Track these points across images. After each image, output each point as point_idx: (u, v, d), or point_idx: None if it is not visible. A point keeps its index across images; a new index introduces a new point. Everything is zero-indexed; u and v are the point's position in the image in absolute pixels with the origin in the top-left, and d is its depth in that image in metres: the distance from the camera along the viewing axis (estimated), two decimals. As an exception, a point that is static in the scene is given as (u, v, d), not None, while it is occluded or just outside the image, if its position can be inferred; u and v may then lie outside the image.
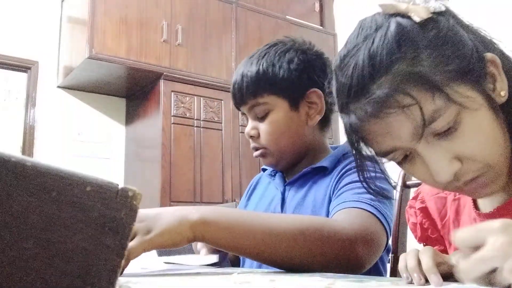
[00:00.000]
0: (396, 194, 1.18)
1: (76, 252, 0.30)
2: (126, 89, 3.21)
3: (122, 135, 3.28)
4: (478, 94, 0.53)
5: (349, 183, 0.85)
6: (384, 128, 0.54)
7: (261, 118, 0.96)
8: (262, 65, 0.95)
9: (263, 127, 0.95)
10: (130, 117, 3.29)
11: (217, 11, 3.27)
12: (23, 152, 2.91)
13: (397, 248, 1.14)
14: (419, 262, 0.49)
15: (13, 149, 2.91)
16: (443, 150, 0.53)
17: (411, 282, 0.49)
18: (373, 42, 0.54)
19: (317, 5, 3.86)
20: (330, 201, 0.89)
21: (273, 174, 1.05)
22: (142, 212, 0.67)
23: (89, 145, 3.14)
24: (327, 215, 0.87)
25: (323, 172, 0.94)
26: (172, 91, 2.96)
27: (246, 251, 0.71)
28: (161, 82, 2.94)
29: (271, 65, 0.94)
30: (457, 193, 0.70)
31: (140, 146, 3.13)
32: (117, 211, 0.32)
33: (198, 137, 3.00)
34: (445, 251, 0.74)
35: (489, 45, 0.58)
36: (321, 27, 3.84)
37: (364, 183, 0.65)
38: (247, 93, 0.95)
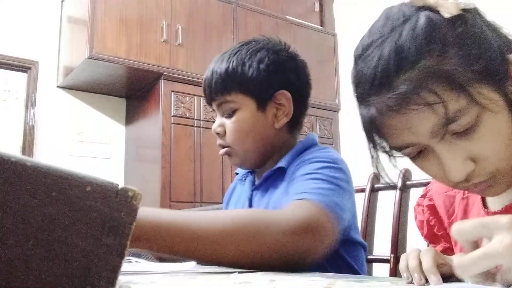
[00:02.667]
0: (396, 194, 1.18)
1: (76, 252, 0.30)
2: (126, 89, 3.20)
3: (122, 135, 3.28)
4: (500, 96, 0.53)
5: (299, 175, 0.84)
6: (404, 123, 0.53)
7: (228, 116, 0.96)
8: (232, 62, 0.94)
9: (229, 125, 0.95)
10: (130, 117, 3.29)
11: (217, 11, 3.27)
12: (23, 152, 2.91)
13: (397, 248, 1.14)
14: (420, 262, 0.49)
15: (13, 149, 2.91)
16: (459, 150, 0.53)
17: (411, 282, 0.49)
18: (400, 35, 0.53)
19: (317, 5, 3.86)
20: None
21: (243, 179, 1.04)
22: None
23: (89, 145, 3.14)
24: None
25: (283, 172, 0.93)
26: (172, 91, 2.96)
27: (179, 254, 0.71)
28: (161, 82, 2.94)
29: (241, 64, 0.94)
30: (466, 192, 0.70)
31: (140, 146, 3.13)
32: (117, 211, 0.32)
33: (198, 137, 3.00)
34: (450, 249, 0.75)
35: (510, 46, 0.56)
36: (321, 27, 3.83)
37: (380, 176, 0.64)
38: (215, 90, 0.95)
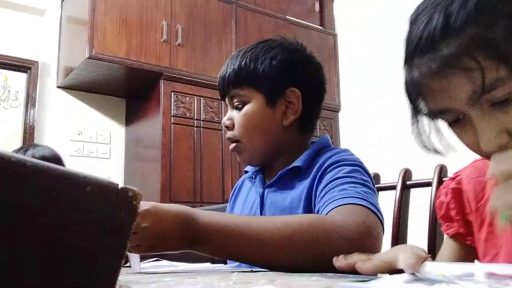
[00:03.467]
0: (396, 194, 1.18)
1: (76, 252, 0.30)
2: (126, 89, 3.21)
3: (122, 135, 3.28)
4: None
5: (333, 179, 0.84)
6: (443, 86, 0.54)
7: (238, 109, 0.97)
8: (246, 58, 0.96)
9: (237, 118, 0.97)
10: (130, 117, 3.29)
11: (217, 11, 3.27)
12: (23, 152, 2.91)
13: (397, 248, 1.13)
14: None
15: (13, 149, 2.91)
16: (495, 120, 0.53)
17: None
18: (452, 2, 0.53)
19: (317, 5, 3.86)
20: (306, 200, 0.88)
21: (253, 177, 1.04)
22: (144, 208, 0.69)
23: (89, 145, 3.14)
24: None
25: (299, 172, 0.93)
26: (172, 91, 2.96)
27: (235, 259, 0.73)
28: (161, 82, 2.94)
29: (255, 59, 0.96)
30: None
31: (140, 146, 3.13)
32: (117, 211, 0.32)
33: (198, 137, 3.00)
34: (461, 235, 0.75)
35: None
36: (321, 27, 3.84)
37: (418, 142, 0.63)
38: (228, 84, 0.98)
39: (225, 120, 0.99)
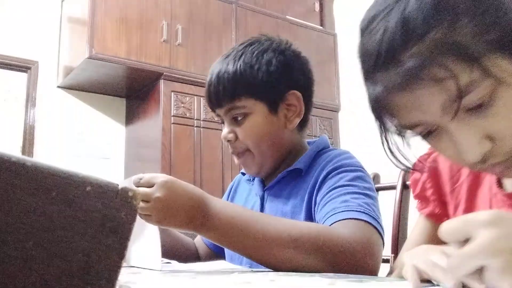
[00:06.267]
0: (396, 194, 1.18)
1: (76, 252, 0.30)
2: (126, 89, 3.20)
3: (122, 135, 3.28)
4: None
5: (334, 188, 0.83)
6: (413, 101, 0.50)
7: (239, 122, 0.92)
8: (240, 66, 0.90)
9: (241, 131, 0.91)
10: (130, 117, 3.29)
11: (217, 11, 3.27)
12: (23, 152, 2.91)
13: (397, 248, 1.14)
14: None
15: (13, 149, 2.91)
16: (473, 128, 0.49)
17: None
18: (407, 4, 0.48)
19: (317, 5, 3.86)
20: (308, 205, 0.87)
21: (251, 179, 1.03)
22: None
23: (89, 145, 3.14)
24: (306, 220, 0.86)
25: (299, 174, 0.92)
26: (172, 91, 2.96)
27: (238, 251, 0.73)
28: (161, 82, 2.94)
29: (249, 67, 0.90)
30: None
31: (140, 146, 3.13)
32: (117, 211, 0.32)
33: (198, 137, 3.00)
34: (436, 215, 0.72)
35: None
36: (321, 27, 3.83)
37: (391, 158, 0.59)
38: (224, 96, 0.91)
39: (226, 135, 0.93)
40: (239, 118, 0.92)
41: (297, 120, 0.94)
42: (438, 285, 0.44)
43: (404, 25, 0.48)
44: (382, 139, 0.57)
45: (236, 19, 3.34)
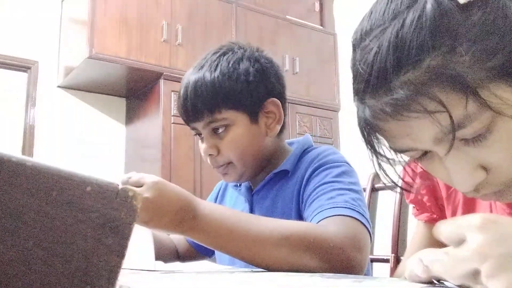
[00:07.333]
0: (396, 194, 1.18)
1: (76, 252, 0.30)
2: (126, 89, 3.21)
3: (122, 135, 3.28)
4: None
5: (320, 185, 0.83)
6: (402, 129, 0.48)
7: (220, 135, 0.90)
8: (218, 77, 0.88)
9: (223, 144, 0.90)
10: (130, 117, 3.29)
11: (217, 11, 3.27)
12: (23, 152, 2.91)
13: (398, 248, 1.14)
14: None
15: (13, 149, 2.91)
16: (468, 158, 0.47)
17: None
18: (403, 25, 0.45)
19: (317, 5, 3.86)
20: (297, 205, 0.88)
21: (238, 184, 1.02)
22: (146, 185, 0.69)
23: (89, 145, 3.14)
24: (297, 220, 0.86)
25: (286, 175, 0.92)
26: (172, 91, 2.96)
27: (228, 253, 0.72)
28: (161, 82, 2.94)
29: (227, 78, 0.88)
30: None
31: (140, 146, 3.13)
32: (117, 211, 0.32)
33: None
34: (435, 220, 0.72)
35: None
36: (321, 27, 3.84)
37: (382, 175, 0.57)
38: (203, 109, 0.88)
39: (207, 149, 0.91)
40: (220, 131, 0.90)
41: (278, 127, 0.94)
42: (438, 285, 0.44)
43: (397, 48, 0.45)
44: (371, 157, 0.55)
45: (236, 19, 3.34)
